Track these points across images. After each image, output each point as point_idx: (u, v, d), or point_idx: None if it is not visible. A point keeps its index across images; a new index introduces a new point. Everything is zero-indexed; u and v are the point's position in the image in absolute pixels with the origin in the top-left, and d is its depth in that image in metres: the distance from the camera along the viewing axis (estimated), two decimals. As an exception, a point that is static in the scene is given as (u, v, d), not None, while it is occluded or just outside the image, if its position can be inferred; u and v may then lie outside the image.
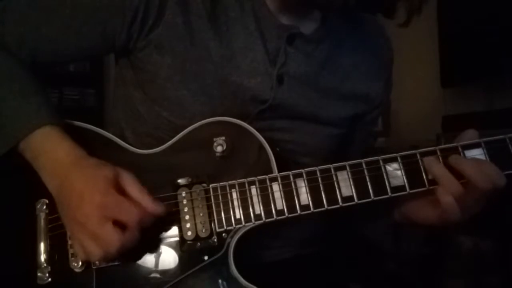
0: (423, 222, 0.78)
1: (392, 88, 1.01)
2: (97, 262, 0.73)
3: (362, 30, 0.94)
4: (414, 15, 0.78)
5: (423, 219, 0.78)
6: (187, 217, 0.74)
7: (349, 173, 0.73)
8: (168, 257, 0.73)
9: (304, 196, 0.73)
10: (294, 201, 0.73)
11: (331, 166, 0.74)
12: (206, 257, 0.73)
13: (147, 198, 0.68)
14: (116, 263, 0.73)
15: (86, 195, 0.66)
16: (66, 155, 0.71)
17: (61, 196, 0.70)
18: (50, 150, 0.71)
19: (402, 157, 0.73)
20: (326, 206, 0.72)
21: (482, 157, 0.72)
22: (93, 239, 0.65)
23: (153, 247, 0.74)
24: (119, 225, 0.65)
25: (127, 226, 0.65)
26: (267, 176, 0.74)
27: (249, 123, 0.77)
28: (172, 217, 0.74)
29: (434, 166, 0.72)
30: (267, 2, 0.83)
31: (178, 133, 0.78)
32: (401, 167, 0.73)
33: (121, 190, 0.67)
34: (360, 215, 0.89)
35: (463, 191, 0.69)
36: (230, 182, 0.74)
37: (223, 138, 0.76)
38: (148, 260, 0.74)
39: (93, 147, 0.73)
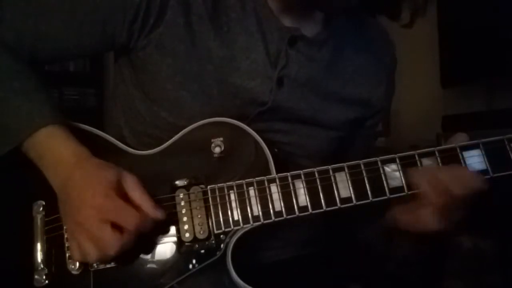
0: (410, 229, 0.78)
1: (394, 93, 1.00)
2: (94, 265, 0.73)
3: (365, 34, 0.93)
4: (418, 16, 0.77)
5: (408, 226, 0.77)
6: (185, 218, 0.74)
7: (347, 174, 0.73)
8: (166, 259, 0.73)
9: (302, 197, 0.73)
10: (292, 202, 0.72)
11: (329, 167, 0.73)
12: (204, 259, 0.73)
13: (148, 203, 0.68)
14: (113, 264, 0.73)
15: (87, 196, 0.66)
16: (71, 155, 0.71)
17: (63, 195, 0.70)
18: (55, 150, 0.71)
19: (401, 158, 0.73)
20: (324, 208, 0.72)
21: (481, 157, 0.72)
22: (92, 240, 0.66)
23: (151, 249, 0.73)
24: (118, 228, 0.65)
25: (125, 230, 0.65)
26: (265, 177, 0.73)
27: (247, 124, 0.77)
28: (170, 219, 0.73)
29: (414, 176, 0.72)
30: (269, 3, 0.82)
31: (177, 134, 0.78)
32: (400, 168, 0.73)
33: (123, 193, 0.68)
34: (353, 217, 0.89)
35: (444, 201, 0.70)
36: (228, 183, 0.74)
37: (221, 139, 0.75)
38: (145, 262, 0.73)
39: (90, 148, 0.73)
